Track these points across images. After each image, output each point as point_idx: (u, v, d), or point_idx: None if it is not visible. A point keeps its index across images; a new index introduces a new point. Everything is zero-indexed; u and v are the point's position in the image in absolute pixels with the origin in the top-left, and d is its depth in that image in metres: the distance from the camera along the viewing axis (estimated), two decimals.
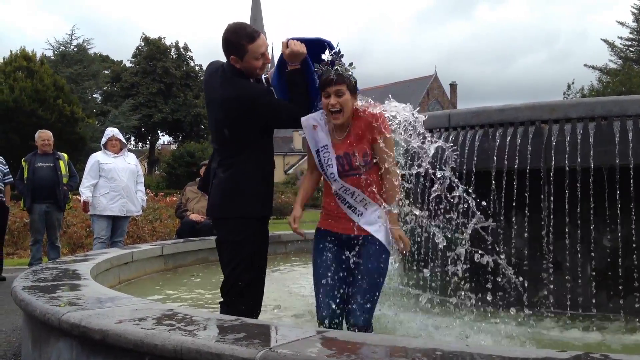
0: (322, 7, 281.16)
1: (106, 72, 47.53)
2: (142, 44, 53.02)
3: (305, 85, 3.47)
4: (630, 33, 36.70)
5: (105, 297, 3.46)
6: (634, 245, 4.06)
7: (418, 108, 3.66)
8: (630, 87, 29.47)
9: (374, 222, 3.37)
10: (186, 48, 54.62)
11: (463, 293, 3.90)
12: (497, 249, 4.12)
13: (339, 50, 3.45)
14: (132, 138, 51.87)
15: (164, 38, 53.32)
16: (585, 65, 37.04)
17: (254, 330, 2.58)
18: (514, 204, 4.27)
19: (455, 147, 3.67)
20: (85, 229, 11.67)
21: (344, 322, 3.44)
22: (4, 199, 8.53)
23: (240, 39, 3.40)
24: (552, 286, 4.22)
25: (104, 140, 8.16)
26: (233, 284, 3.48)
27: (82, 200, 7.90)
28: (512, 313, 3.98)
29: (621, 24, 36.73)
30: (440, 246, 3.79)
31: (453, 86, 69.32)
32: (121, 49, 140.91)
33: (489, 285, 4.17)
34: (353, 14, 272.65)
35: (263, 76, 3.68)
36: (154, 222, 13.13)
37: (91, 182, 7.81)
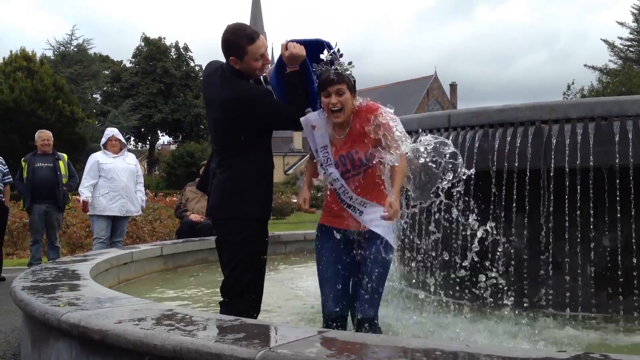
0: (322, 7, 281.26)
1: (106, 72, 47.53)
2: (142, 44, 53.02)
3: (304, 87, 3.46)
4: (630, 33, 36.72)
5: (104, 297, 3.45)
6: (633, 245, 4.06)
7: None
8: (630, 87, 29.48)
9: (374, 219, 3.38)
10: (186, 48, 54.64)
11: (464, 293, 3.90)
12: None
13: (338, 49, 3.46)
14: (132, 138, 51.85)
15: (164, 38, 53.36)
16: (585, 65, 37.08)
17: (254, 331, 2.57)
18: (513, 204, 4.26)
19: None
20: (84, 229, 11.67)
21: (350, 316, 3.47)
22: (4, 199, 8.52)
23: (240, 40, 3.40)
24: (551, 286, 4.22)
25: (103, 140, 8.16)
26: (233, 284, 3.48)
27: (81, 200, 7.89)
28: (512, 313, 3.98)
29: (621, 24, 36.77)
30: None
31: (453, 86, 69.34)
32: (121, 49, 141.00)
33: (488, 285, 4.18)
34: (353, 14, 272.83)
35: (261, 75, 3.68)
36: (154, 222, 13.13)
37: (91, 182, 7.81)
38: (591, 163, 3.95)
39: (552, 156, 4.05)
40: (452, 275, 4.41)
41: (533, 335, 3.75)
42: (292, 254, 7.65)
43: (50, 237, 8.73)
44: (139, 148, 56.25)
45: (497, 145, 4.23)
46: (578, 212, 4.07)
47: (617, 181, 3.92)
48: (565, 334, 3.80)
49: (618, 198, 3.94)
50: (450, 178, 3.58)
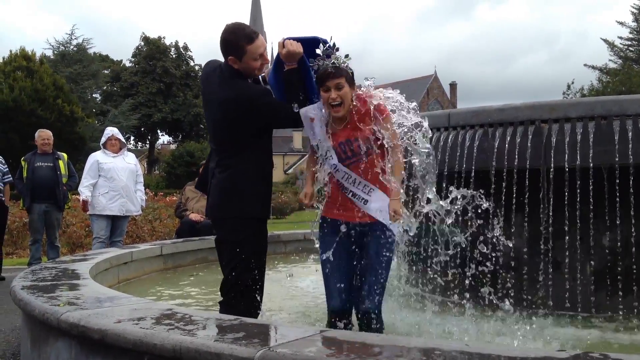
0: (322, 7, 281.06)
1: (106, 71, 47.55)
2: (142, 43, 53.00)
3: (302, 84, 3.46)
4: (630, 33, 36.71)
5: (104, 297, 3.45)
6: (633, 244, 4.06)
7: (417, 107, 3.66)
8: (630, 86, 29.47)
9: (379, 208, 3.39)
10: (186, 48, 54.62)
11: (462, 292, 3.91)
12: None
13: (334, 43, 3.45)
14: (132, 138, 51.86)
15: (164, 38, 53.35)
16: (585, 65, 37.07)
17: (253, 330, 2.57)
18: (513, 204, 4.26)
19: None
20: (84, 228, 11.66)
21: (354, 310, 3.47)
22: (4, 199, 8.52)
23: (239, 39, 3.40)
24: (551, 286, 4.22)
25: (103, 139, 8.16)
26: (232, 284, 3.48)
27: (81, 200, 7.89)
28: (511, 312, 3.98)
29: (621, 23, 36.75)
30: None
31: (453, 86, 69.39)
32: (121, 48, 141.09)
33: (488, 284, 4.17)
34: (353, 14, 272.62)
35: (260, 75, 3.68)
36: (154, 221, 13.12)
37: (90, 182, 7.81)
38: (591, 162, 3.95)
39: (552, 155, 4.05)
40: (452, 275, 4.41)
41: (532, 334, 3.75)
42: (292, 254, 7.64)
43: (50, 236, 8.72)
44: (139, 148, 56.24)
45: (496, 145, 4.23)
46: (578, 212, 4.07)
47: (617, 181, 3.92)
48: (564, 333, 3.81)
49: (618, 197, 3.94)
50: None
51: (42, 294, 3.52)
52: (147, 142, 56.93)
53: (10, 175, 8.64)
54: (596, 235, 4.13)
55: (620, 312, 4.06)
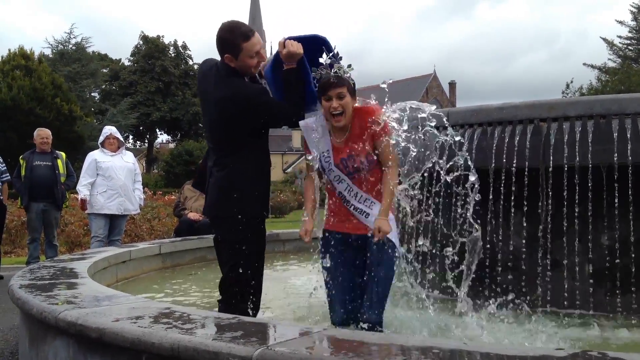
0: (322, 6, 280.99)
1: (104, 70, 47.48)
2: (141, 42, 52.96)
3: (301, 84, 3.46)
4: (629, 32, 36.69)
5: (102, 296, 3.45)
6: (631, 243, 4.06)
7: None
8: (629, 85, 29.46)
9: None
10: (185, 47, 54.57)
11: (461, 291, 3.90)
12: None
13: (337, 52, 3.45)
14: (131, 137, 51.84)
15: (163, 37, 53.32)
16: (584, 64, 37.04)
17: (252, 329, 2.57)
18: (512, 203, 4.26)
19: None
20: (82, 227, 11.65)
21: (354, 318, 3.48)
22: (2, 198, 8.52)
23: (235, 37, 3.39)
24: (550, 284, 4.22)
25: (101, 138, 8.15)
26: (231, 283, 3.48)
27: (79, 199, 7.88)
28: (510, 311, 3.98)
29: (620, 22, 36.73)
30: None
31: (452, 85, 69.39)
32: (120, 47, 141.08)
33: (487, 283, 4.18)
34: (353, 13, 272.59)
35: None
36: (152, 220, 13.12)
37: (89, 181, 7.80)
38: (590, 161, 3.95)
39: (551, 154, 4.05)
40: (451, 274, 4.41)
41: (531, 333, 3.75)
42: (291, 253, 7.64)
43: (49, 235, 8.72)
44: (138, 147, 56.22)
45: (495, 144, 4.23)
46: (576, 211, 4.06)
47: (616, 180, 3.92)
48: (563, 332, 3.80)
49: (616, 196, 3.94)
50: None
51: (40, 293, 3.52)
52: (146, 141, 56.88)
53: (8, 174, 8.63)
54: (595, 234, 4.13)
55: (619, 311, 4.06)
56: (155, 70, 50.73)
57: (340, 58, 3.43)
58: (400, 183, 3.51)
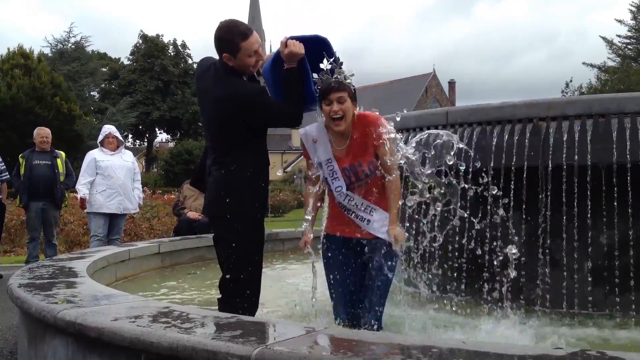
0: (322, 4, 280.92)
1: (104, 69, 47.48)
2: (140, 41, 52.95)
3: (300, 84, 3.45)
4: (628, 31, 36.67)
5: (101, 295, 3.45)
6: (630, 243, 4.06)
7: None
8: (628, 84, 29.45)
9: (381, 226, 3.43)
10: (184, 45, 54.59)
11: (459, 290, 3.91)
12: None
13: (338, 57, 3.45)
14: (130, 136, 51.83)
15: (162, 35, 53.32)
16: (583, 63, 37.02)
17: (251, 328, 2.57)
18: (511, 202, 4.26)
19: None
20: (82, 226, 11.64)
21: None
22: (1, 197, 8.51)
23: (233, 36, 3.39)
24: (549, 283, 4.22)
25: (100, 137, 8.14)
26: (230, 282, 3.48)
27: (79, 197, 7.88)
28: (509, 310, 3.98)
29: (620, 21, 36.70)
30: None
31: (451, 84, 69.37)
32: (120, 46, 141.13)
33: (485, 282, 4.18)
34: (353, 12, 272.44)
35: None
36: (152, 219, 13.12)
37: (88, 180, 7.79)
38: (589, 161, 3.95)
39: (550, 153, 4.05)
40: (449, 273, 4.41)
41: (530, 332, 3.75)
42: (290, 252, 7.64)
43: (48, 234, 8.71)
44: (137, 146, 56.21)
45: (494, 143, 4.23)
46: (575, 210, 4.07)
47: (615, 179, 3.92)
48: (562, 332, 3.81)
49: (615, 195, 3.94)
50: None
51: (39, 292, 3.51)
52: (145, 140, 56.90)
53: (7, 173, 8.63)
54: (594, 233, 4.13)
55: (618, 310, 4.07)
56: (154, 69, 50.73)
57: (342, 63, 3.44)
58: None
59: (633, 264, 4.05)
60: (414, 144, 3.62)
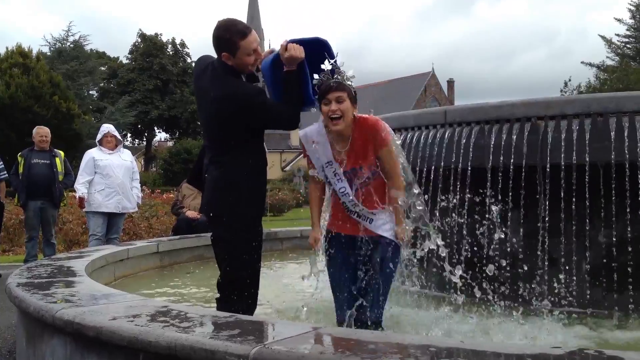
0: (321, 3, 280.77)
1: (102, 68, 47.44)
2: (139, 40, 52.91)
3: (299, 87, 3.45)
4: (627, 30, 36.67)
5: (99, 294, 3.45)
6: (629, 241, 4.07)
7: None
8: (627, 84, 29.46)
9: (384, 224, 3.44)
10: (183, 44, 54.57)
11: (458, 289, 3.91)
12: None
13: (338, 58, 3.45)
14: (129, 135, 51.80)
15: (161, 34, 53.31)
16: (582, 62, 37.04)
17: (249, 327, 2.57)
18: (509, 201, 4.27)
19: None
20: (81, 225, 11.64)
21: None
22: None
23: (232, 35, 3.38)
24: (547, 282, 4.22)
25: (99, 136, 8.13)
26: (229, 281, 3.48)
27: (77, 197, 7.87)
28: (507, 309, 3.98)
29: (619, 20, 36.70)
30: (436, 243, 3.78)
31: (450, 83, 69.36)
32: (119, 45, 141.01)
33: (484, 281, 4.17)
34: (353, 12, 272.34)
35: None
36: (150, 219, 13.11)
37: (86, 179, 7.78)
38: (587, 159, 3.96)
39: (548, 152, 4.05)
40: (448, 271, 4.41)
41: (528, 331, 3.75)
42: (289, 251, 7.64)
43: (46, 233, 8.70)
44: (136, 145, 56.19)
45: (493, 142, 4.23)
46: (573, 209, 4.07)
47: (613, 178, 3.92)
48: (560, 330, 3.81)
49: (614, 194, 3.95)
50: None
51: (38, 291, 3.51)
52: (144, 139, 56.87)
53: (5, 172, 8.62)
54: (592, 232, 4.13)
55: (616, 309, 4.07)
56: (153, 68, 50.71)
57: (342, 64, 3.43)
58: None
59: (631, 263, 4.05)
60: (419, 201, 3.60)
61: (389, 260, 3.43)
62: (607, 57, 36.84)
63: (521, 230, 4.32)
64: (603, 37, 36.80)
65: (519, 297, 4.25)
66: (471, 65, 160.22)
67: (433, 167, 4.60)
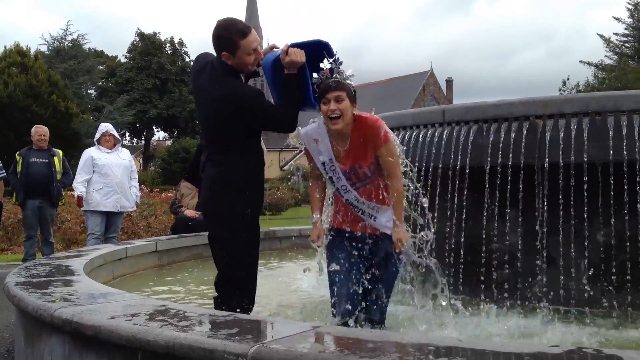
0: (320, 3, 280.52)
1: (101, 67, 47.36)
2: (137, 39, 52.86)
3: (299, 90, 3.45)
4: (625, 29, 36.69)
5: (98, 293, 3.44)
6: (627, 240, 4.07)
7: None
8: (626, 82, 29.48)
9: (388, 222, 3.44)
10: (181, 43, 54.53)
11: (458, 288, 3.91)
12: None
13: (338, 57, 3.45)
14: (127, 134, 51.74)
15: (159, 33, 53.25)
16: (580, 61, 37.04)
17: (247, 326, 2.57)
18: (507, 200, 4.27)
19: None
20: (79, 224, 11.63)
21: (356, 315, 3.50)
22: None
23: (232, 34, 3.38)
24: (545, 281, 4.23)
25: (97, 135, 8.12)
26: (226, 280, 3.48)
27: (75, 196, 7.87)
28: (506, 308, 3.98)
29: (617, 19, 36.72)
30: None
31: (449, 82, 69.42)
32: (117, 44, 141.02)
33: (482, 281, 4.18)
34: (352, 12, 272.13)
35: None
36: (149, 218, 13.10)
37: (85, 178, 7.77)
38: (585, 158, 3.96)
39: (546, 151, 4.05)
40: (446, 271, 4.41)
41: (526, 330, 3.76)
42: (288, 250, 7.64)
43: (45, 232, 8.70)
44: (134, 144, 56.13)
45: (491, 141, 4.23)
46: (572, 208, 4.07)
47: (611, 176, 3.92)
48: (558, 329, 3.81)
49: (612, 193, 3.95)
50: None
51: (36, 290, 3.51)
52: (143, 138, 56.82)
53: (4, 172, 8.61)
54: (591, 231, 4.14)
55: (615, 308, 4.07)
56: (151, 67, 50.67)
57: (341, 63, 3.43)
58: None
59: (630, 262, 4.05)
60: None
61: (392, 257, 3.43)
62: (606, 56, 36.89)
63: (520, 229, 4.32)
64: (602, 36, 36.82)
65: (517, 296, 4.26)
66: (470, 64, 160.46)
67: (431, 166, 4.60)
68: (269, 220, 17.64)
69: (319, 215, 3.61)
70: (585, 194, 4.01)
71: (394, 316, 4.06)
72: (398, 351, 2.18)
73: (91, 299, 3.26)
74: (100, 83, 47.23)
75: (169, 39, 53.61)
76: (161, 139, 62.42)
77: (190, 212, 8.14)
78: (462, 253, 4.44)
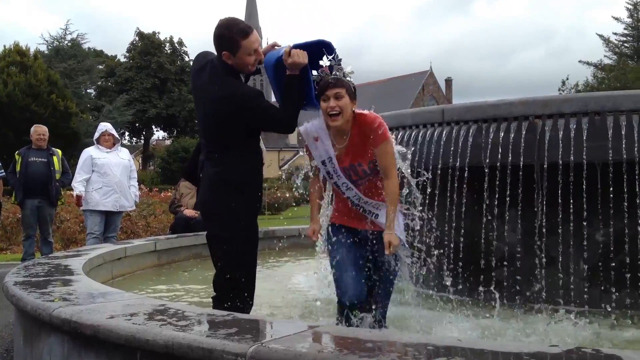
0: (320, 3, 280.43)
1: (100, 67, 47.32)
2: (137, 38, 52.82)
3: (300, 91, 3.45)
4: (625, 29, 36.69)
5: (97, 293, 3.44)
6: (626, 240, 4.07)
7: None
8: (625, 82, 29.47)
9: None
10: (181, 43, 54.46)
11: (457, 288, 3.91)
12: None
13: (337, 54, 3.45)
14: (127, 133, 51.68)
15: (159, 33, 53.19)
16: (580, 61, 37.03)
17: (246, 326, 2.57)
18: (507, 200, 4.27)
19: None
20: (78, 224, 11.62)
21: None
22: None
23: (233, 34, 3.37)
24: (544, 281, 4.23)
25: (96, 135, 8.13)
26: (225, 280, 3.48)
27: (75, 195, 7.86)
28: (505, 308, 3.98)
29: (616, 19, 36.71)
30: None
31: (448, 82, 69.45)
32: (116, 44, 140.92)
33: (482, 280, 4.18)
34: (352, 11, 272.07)
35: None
36: (148, 217, 13.09)
37: (84, 177, 7.77)
38: (584, 158, 3.96)
39: (545, 151, 4.05)
40: (447, 270, 4.41)
41: (525, 330, 3.76)
42: (287, 249, 7.64)
43: (44, 232, 8.69)
44: (134, 143, 56.08)
45: (490, 140, 4.23)
46: (571, 208, 4.07)
47: (610, 176, 3.92)
48: (557, 329, 3.81)
49: (611, 193, 3.95)
50: None
51: (35, 290, 3.50)
52: (142, 137, 56.78)
53: (2, 171, 8.60)
54: (590, 230, 4.14)
55: (614, 308, 4.07)
56: (151, 66, 50.61)
57: (340, 60, 3.43)
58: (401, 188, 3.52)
59: (629, 262, 4.06)
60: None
61: (392, 257, 3.42)
62: (605, 55, 36.87)
63: (519, 228, 4.32)
64: (601, 36, 36.82)
65: (516, 295, 4.26)
66: (469, 64, 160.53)
67: (431, 166, 4.60)
68: (268, 220, 17.62)
69: (315, 212, 3.61)
70: (584, 194, 4.01)
71: (394, 316, 4.06)
72: (397, 351, 2.18)
73: (90, 299, 3.26)
74: (99, 82, 47.16)
75: (168, 39, 53.56)
76: (160, 138, 62.38)
77: (189, 212, 8.14)
78: (461, 253, 4.44)
